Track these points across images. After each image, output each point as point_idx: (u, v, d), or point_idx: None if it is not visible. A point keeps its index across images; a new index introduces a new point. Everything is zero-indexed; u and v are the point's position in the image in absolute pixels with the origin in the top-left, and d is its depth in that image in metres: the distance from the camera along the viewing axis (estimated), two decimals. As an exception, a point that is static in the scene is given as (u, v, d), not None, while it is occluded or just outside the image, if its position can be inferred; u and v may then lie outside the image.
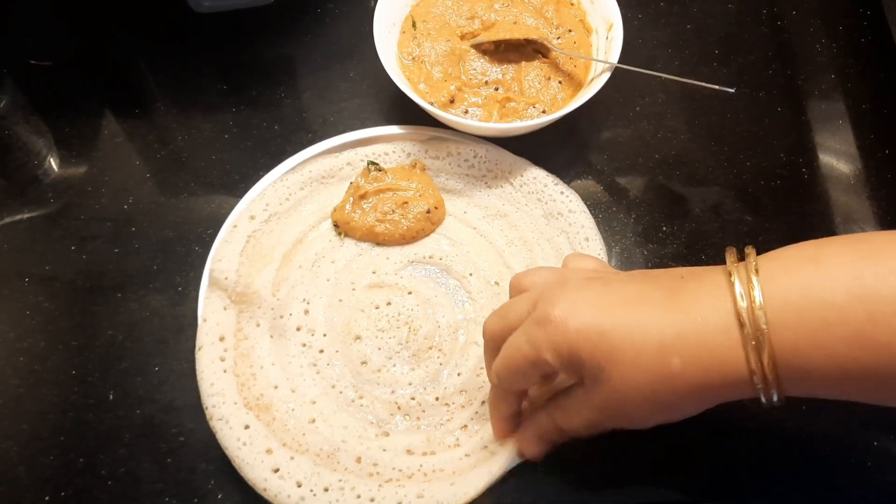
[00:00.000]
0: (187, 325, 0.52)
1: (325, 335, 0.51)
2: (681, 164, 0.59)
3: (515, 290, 0.43)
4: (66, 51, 0.66)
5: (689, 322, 0.35)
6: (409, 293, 0.53)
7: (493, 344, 0.41)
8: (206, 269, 0.52)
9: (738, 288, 0.34)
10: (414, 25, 0.60)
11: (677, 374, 0.34)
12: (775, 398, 0.34)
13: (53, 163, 0.60)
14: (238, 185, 0.57)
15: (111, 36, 0.66)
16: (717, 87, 0.52)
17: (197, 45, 0.65)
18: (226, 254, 0.52)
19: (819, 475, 0.47)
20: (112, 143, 0.61)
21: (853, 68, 0.63)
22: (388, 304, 0.52)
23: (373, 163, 0.56)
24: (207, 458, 0.48)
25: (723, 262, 0.37)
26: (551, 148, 0.58)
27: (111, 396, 0.50)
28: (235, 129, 0.61)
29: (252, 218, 0.54)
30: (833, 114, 0.61)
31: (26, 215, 0.58)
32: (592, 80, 0.56)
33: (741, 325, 0.33)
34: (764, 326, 0.33)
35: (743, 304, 0.34)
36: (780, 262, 0.35)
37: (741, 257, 0.37)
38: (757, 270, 0.34)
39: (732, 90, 0.52)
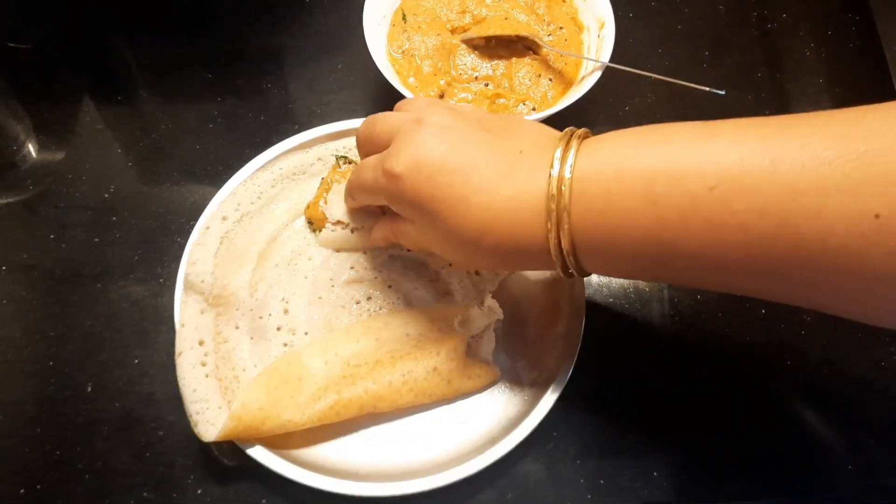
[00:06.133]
0: (168, 317, 0.51)
1: (306, 333, 0.50)
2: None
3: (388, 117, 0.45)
4: (47, 34, 0.64)
5: (509, 200, 0.37)
6: (389, 286, 0.52)
7: (359, 146, 0.47)
8: (179, 272, 0.51)
9: (556, 167, 0.36)
10: (404, 18, 0.59)
11: (488, 248, 0.38)
12: (572, 271, 0.38)
13: (32, 149, 0.59)
14: (222, 175, 0.56)
15: (94, 19, 0.65)
16: (707, 88, 0.52)
17: (182, 33, 0.64)
18: (200, 256, 0.51)
19: (797, 479, 0.47)
20: (93, 129, 0.60)
21: (841, 73, 0.63)
22: (369, 298, 0.52)
23: (342, 157, 0.55)
24: (187, 453, 0.47)
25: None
26: (540, 145, 0.57)
27: (89, 388, 0.50)
28: (220, 119, 0.60)
29: (224, 219, 0.53)
30: (819, 118, 0.61)
31: (3, 202, 0.57)
32: (583, 78, 0.56)
33: (549, 198, 0.35)
34: (566, 202, 0.35)
35: (553, 186, 0.35)
36: (607, 143, 0.36)
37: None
38: (577, 150, 0.36)
39: (723, 92, 0.52)
